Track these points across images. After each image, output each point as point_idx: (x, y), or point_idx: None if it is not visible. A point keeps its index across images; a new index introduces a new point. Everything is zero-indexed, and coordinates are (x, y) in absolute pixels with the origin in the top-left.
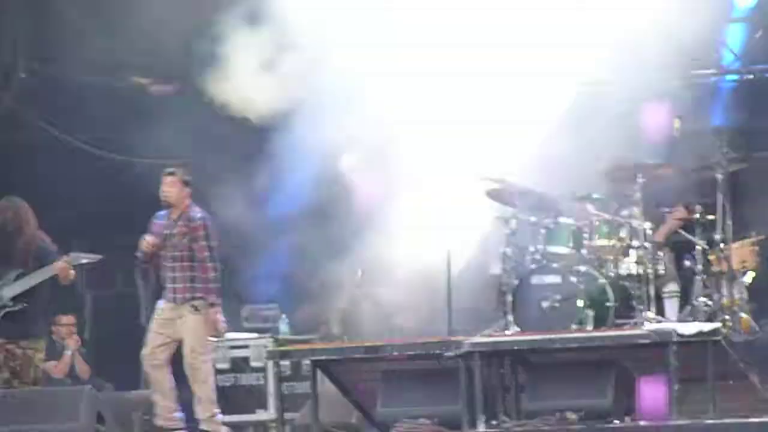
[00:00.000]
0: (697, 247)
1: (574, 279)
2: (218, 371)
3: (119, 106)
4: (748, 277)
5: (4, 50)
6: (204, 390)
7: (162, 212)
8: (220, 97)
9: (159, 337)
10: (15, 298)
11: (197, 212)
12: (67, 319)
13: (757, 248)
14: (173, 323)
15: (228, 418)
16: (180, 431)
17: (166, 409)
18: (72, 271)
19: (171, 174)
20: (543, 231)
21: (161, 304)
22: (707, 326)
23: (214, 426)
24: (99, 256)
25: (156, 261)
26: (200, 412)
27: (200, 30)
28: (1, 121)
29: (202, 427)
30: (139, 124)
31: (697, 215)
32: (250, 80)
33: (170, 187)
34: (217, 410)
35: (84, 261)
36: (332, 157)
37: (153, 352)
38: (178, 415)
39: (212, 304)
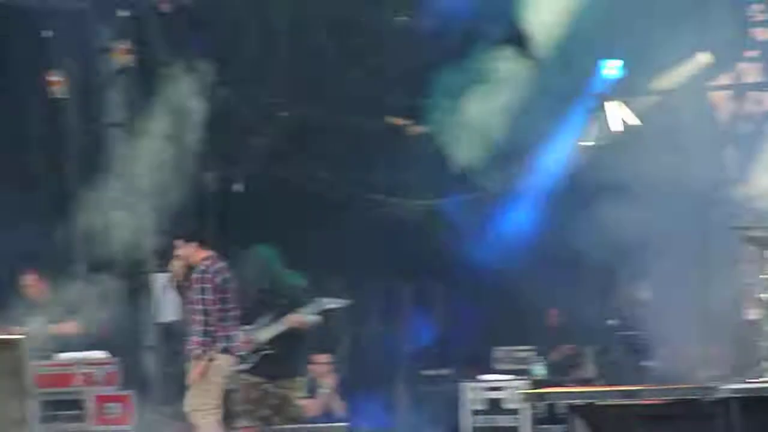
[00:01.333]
0: None
1: None
2: (475, 412)
3: (371, 146)
4: None
5: (267, 91)
6: None
7: None
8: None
9: None
10: (271, 341)
11: (200, 266)
12: (324, 357)
13: None
14: None
15: None
16: None
17: None
18: (305, 321)
19: (176, 238)
20: None
21: None
22: None
23: None
24: (345, 301)
25: None
26: None
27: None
28: (263, 160)
29: None
30: (392, 165)
31: None
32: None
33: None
34: None
35: (328, 307)
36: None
37: None
38: None
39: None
